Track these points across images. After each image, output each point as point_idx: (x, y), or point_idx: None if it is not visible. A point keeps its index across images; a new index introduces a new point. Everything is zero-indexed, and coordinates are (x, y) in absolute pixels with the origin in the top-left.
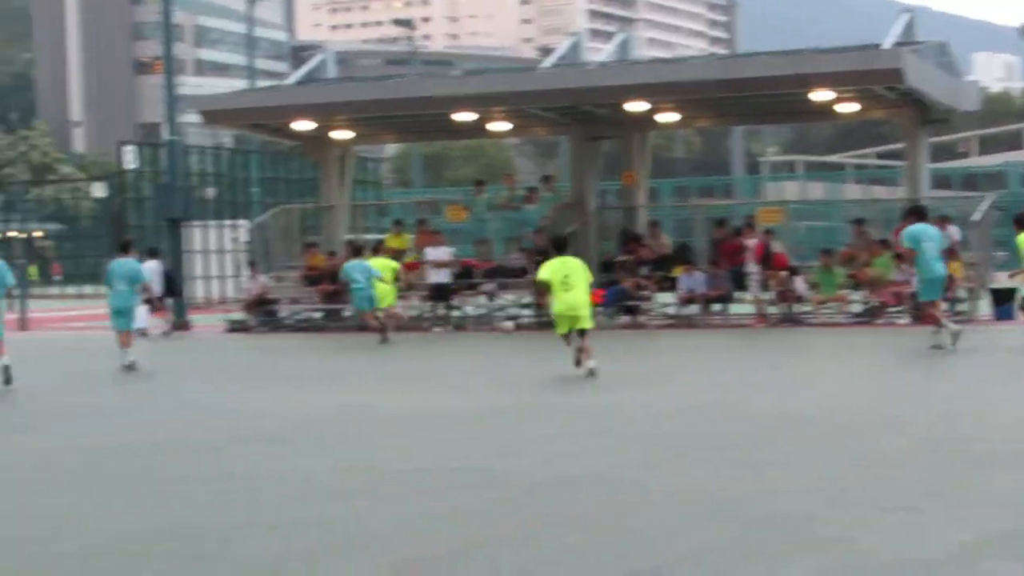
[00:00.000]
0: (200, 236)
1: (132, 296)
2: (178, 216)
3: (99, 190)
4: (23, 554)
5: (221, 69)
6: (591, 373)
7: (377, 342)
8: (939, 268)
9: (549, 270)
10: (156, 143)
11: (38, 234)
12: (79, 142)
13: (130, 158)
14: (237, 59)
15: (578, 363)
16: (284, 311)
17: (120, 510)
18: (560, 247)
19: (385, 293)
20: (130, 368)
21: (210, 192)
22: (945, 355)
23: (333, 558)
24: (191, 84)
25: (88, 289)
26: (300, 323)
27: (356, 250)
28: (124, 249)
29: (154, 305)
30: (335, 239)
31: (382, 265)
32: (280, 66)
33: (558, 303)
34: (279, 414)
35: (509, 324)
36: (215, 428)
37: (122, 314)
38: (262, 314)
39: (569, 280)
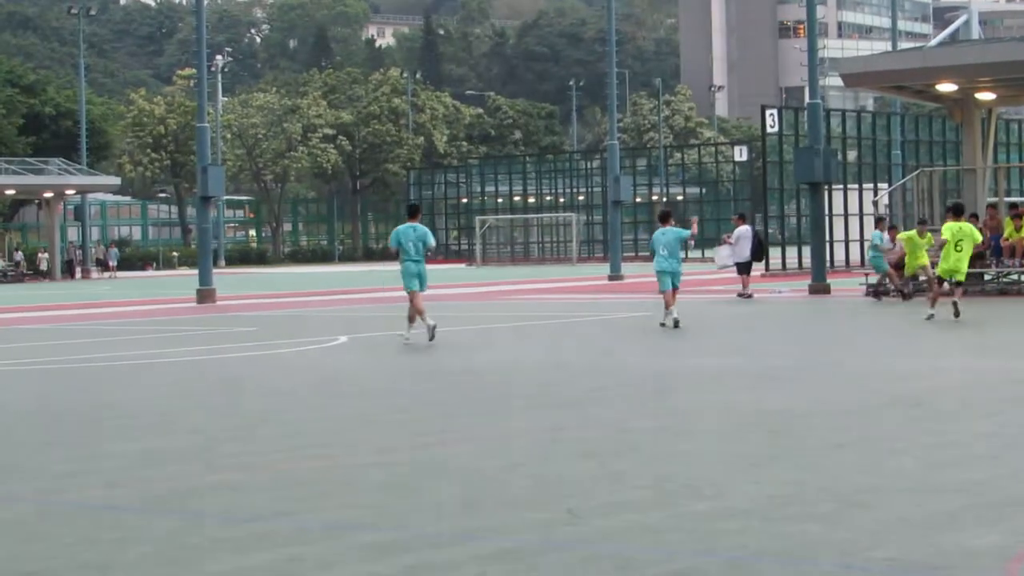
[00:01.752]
0: (841, 199)
1: (676, 260)
2: (818, 179)
3: (740, 154)
4: (660, 515)
5: (863, 31)
6: (956, 309)
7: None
8: None
9: (948, 232)
10: (797, 107)
11: (679, 197)
12: (721, 106)
13: (771, 121)
14: (880, 21)
15: (933, 303)
16: (923, 275)
17: (753, 473)
18: (957, 213)
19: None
20: (674, 326)
21: (851, 155)
22: None
23: (969, 523)
24: (833, 47)
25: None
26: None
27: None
28: (664, 219)
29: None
30: (977, 202)
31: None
32: (923, 27)
33: (944, 261)
34: (916, 378)
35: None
36: (855, 391)
37: (666, 274)
38: (901, 278)
39: (961, 243)
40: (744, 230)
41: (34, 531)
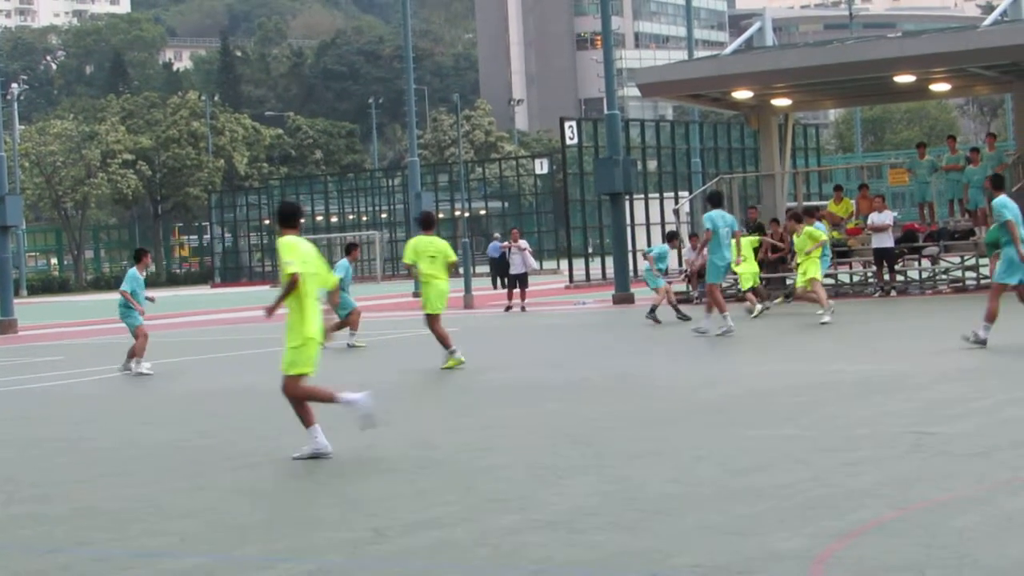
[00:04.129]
0: (642, 209)
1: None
2: (618, 190)
3: (541, 166)
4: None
5: (660, 41)
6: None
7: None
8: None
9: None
10: (596, 118)
11: (482, 212)
12: (521, 119)
13: (571, 134)
14: (676, 30)
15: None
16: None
17: (558, 485)
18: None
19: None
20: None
21: (651, 164)
22: None
23: (772, 527)
24: (630, 57)
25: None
26: (740, 293)
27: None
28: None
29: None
30: (776, 207)
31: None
32: (720, 35)
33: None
34: (718, 384)
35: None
36: (658, 400)
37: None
38: (703, 286)
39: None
40: (524, 243)
41: None
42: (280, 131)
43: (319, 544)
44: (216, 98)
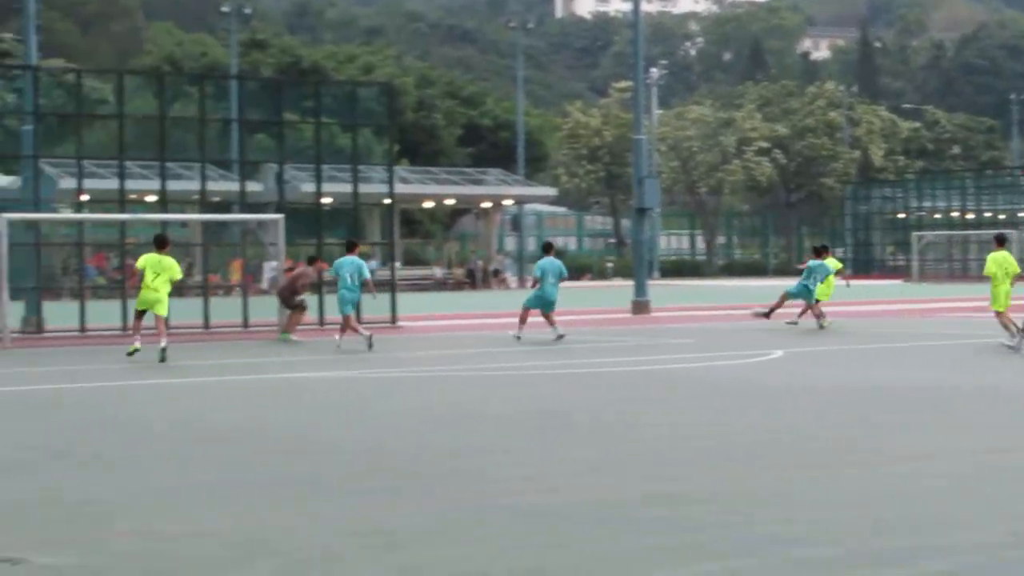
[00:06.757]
0: None
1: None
2: None
3: None
4: None
5: None
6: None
7: None
8: None
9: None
10: None
11: None
12: None
13: None
14: None
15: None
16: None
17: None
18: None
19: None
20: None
21: None
22: None
23: None
24: None
25: None
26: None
27: None
28: (547, 250)
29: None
30: None
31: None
32: None
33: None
34: None
35: None
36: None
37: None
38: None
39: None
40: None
41: (471, 535)
42: (917, 124)
43: (957, 544)
44: (853, 89)
